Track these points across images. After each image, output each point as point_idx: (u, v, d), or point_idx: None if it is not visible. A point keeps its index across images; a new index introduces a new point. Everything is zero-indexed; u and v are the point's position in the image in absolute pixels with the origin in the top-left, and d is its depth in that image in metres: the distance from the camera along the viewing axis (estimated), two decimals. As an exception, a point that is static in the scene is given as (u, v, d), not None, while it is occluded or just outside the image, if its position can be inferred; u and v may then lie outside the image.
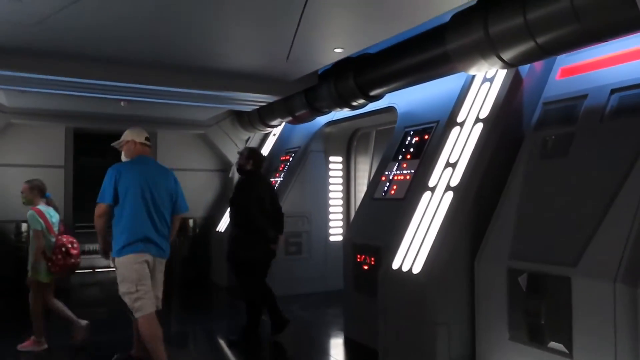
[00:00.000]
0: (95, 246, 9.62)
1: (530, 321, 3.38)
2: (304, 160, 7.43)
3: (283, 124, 8.14)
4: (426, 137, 4.97)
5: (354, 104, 5.83)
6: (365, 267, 4.80)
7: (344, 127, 7.40)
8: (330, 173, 7.59)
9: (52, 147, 7.81)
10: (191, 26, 4.04)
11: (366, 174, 7.37)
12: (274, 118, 7.48)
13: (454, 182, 4.20)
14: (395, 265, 4.19)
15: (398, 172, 5.06)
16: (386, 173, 5.22)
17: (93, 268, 9.52)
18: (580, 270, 3.10)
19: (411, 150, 5.08)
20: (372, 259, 4.71)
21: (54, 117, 7.47)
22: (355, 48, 4.56)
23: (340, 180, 7.66)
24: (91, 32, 4.18)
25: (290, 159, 7.67)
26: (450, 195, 4.15)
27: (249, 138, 8.82)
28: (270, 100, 6.41)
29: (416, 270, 3.97)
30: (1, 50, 4.40)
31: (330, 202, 7.57)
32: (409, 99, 5.68)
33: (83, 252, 9.49)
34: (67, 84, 5.13)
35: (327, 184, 7.55)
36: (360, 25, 4.07)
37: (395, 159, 5.24)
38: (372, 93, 5.53)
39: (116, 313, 6.88)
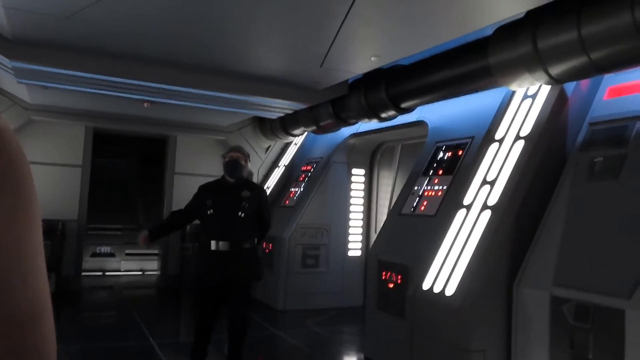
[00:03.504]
0: (107, 249, 9.55)
1: (576, 354, 3.15)
2: (326, 171, 7.26)
3: (305, 133, 8.00)
4: (460, 152, 4.78)
5: (384, 115, 5.67)
6: (391, 286, 4.59)
7: (369, 140, 7.24)
8: (352, 186, 7.41)
9: (71, 146, 7.71)
10: (224, 26, 3.91)
11: (389, 189, 7.17)
12: (298, 127, 7.34)
13: (492, 201, 3.99)
14: (425, 286, 3.98)
15: (429, 187, 4.86)
16: (415, 188, 5.03)
17: (103, 271, 9.41)
18: (636, 303, 2.88)
19: (443, 165, 4.89)
20: (399, 277, 4.50)
21: (75, 116, 7.37)
22: (393, 57, 4.40)
23: (362, 194, 7.47)
24: (121, 29, 4.07)
25: (312, 169, 7.51)
26: (487, 214, 3.95)
27: (269, 146, 8.68)
28: (297, 108, 6.26)
29: (449, 292, 3.76)
30: (29, 42, 4.29)
31: (351, 215, 7.37)
32: (440, 114, 5.50)
33: (94, 255, 9.49)
34: (92, 81, 5.02)
35: (348, 196, 7.36)
36: (401, 34, 3.92)
37: (425, 174, 5.05)
38: (404, 105, 5.37)
39: (125, 318, 6.77)
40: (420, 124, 5.78)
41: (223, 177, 4.35)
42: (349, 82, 5.73)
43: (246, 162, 4.37)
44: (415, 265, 4.30)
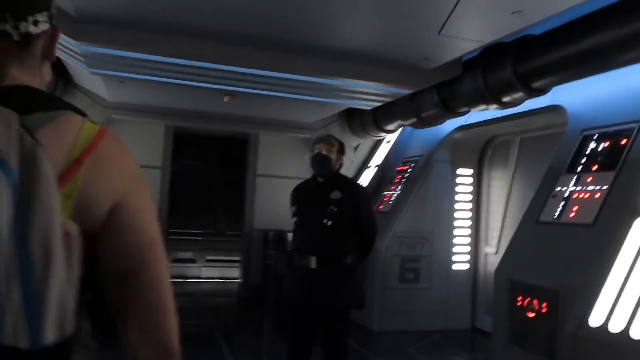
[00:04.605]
0: (188, 254, 9.13)
1: None
2: (426, 172, 6.26)
3: (400, 129, 7.06)
4: (624, 142, 3.63)
5: (506, 99, 4.60)
6: (531, 315, 3.53)
7: (478, 133, 6.14)
8: (458, 188, 6.34)
9: (151, 147, 7.28)
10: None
11: (503, 192, 6.02)
12: (393, 121, 6.41)
13: (693, 206, 2.85)
14: (594, 322, 2.91)
15: (579, 188, 3.75)
16: (557, 189, 3.93)
17: (184, 277, 8.98)
18: None
19: (598, 159, 3.76)
20: (544, 304, 3.44)
21: (154, 114, 6.95)
22: (541, 13, 3.31)
23: (470, 197, 6.39)
24: (198, 3, 3.43)
25: (409, 169, 6.54)
26: (688, 224, 2.81)
27: (358, 145, 7.80)
28: (399, 95, 5.24)
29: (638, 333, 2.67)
30: (95, 21, 3.72)
31: (456, 222, 6.31)
32: (583, 95, 4.35)
33: (175, 260, 9.10)
34: (168, 67, 4.42)
35: (452, 200, 6.31)
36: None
37: (571, 170, 3.94)
38: (537, 84, 4.28)
39: (207, 327, 6.23)
40: (553, 109, 4.64)
41: (313, 175, 3.57)
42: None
43: (338, 154, 3.53)
44: (570, 290, 3.23)
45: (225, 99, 5.79)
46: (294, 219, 3.43)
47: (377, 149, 7.78)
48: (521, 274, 3.75)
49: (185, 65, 4.32)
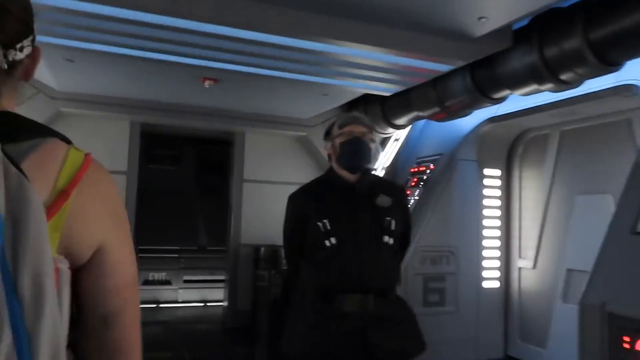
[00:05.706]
0: (162, 275, 7.94)
1: None
2: (449, 173, 5.26)
3: (410, 125, 6.07)
4: None
5: (566, 77, 3.65)
6: (651, 364, 2.53)
7: (509, 126, 5.18)
8: (485, 191, 5.37)
9: (112, 147, 5.97)
10: None
11: (541, 195, 5.05)
12: (408, 112, 5.39)
13: None
14: None
15: (697, 186, 2.79)
16: (660, 189, 2.97)
17: (157, 302, 7.78)
18: None
19: None
20: (673, 350, 2.44)
21: (115, 107, 5.67)
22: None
23: (499, 203, 5.41)
24: None
25: (428, 171, 5.52)
26: None
27: (360, 144, 6.77)
28: (437, 71, 3.98)
29: None
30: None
31: (484, 232, 5.32)
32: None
33: (146, 282, 7.90)
34: (130, 28, 3.23)
35: (480, 206, 5.33)
36: None
37: (676, 164, 2.98)
38: (615, 56, 3.33)
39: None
40: (625, 90, 3.69)
41: (331, 172, 2.52)
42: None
43: (372, 140, 2.51)
44: None
45: (206, 84, 4.69)
46: (331, 242, 2.28)
47: (384, 148, 6.76)
48: (624, 305, 2.74)
49: (153, 25, 3.14)
